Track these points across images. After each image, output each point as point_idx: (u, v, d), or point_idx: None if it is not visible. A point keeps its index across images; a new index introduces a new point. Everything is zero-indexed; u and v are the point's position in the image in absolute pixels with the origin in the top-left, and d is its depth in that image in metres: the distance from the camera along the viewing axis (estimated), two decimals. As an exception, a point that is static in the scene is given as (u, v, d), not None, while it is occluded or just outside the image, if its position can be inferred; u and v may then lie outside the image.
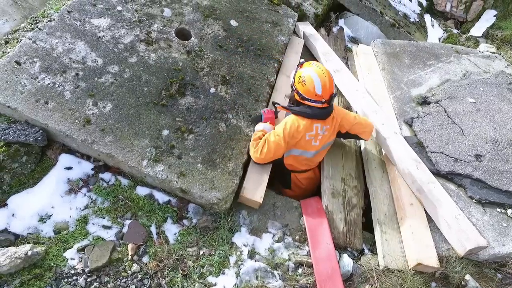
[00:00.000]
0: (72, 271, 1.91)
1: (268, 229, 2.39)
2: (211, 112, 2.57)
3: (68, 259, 1.94)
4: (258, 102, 2.80)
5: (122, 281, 1.94)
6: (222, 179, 2.30)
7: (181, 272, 2.05)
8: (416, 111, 3.03)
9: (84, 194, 2.18)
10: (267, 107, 2.85)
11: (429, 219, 2.41)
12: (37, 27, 2.53)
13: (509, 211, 2.46)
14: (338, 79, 3.27)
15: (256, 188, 2.39)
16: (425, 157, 2.66)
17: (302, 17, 3.98)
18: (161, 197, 2.30)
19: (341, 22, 4.49)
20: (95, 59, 2.48)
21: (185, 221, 2.28)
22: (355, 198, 2.64)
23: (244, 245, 2.26)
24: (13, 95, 2.15)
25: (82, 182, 2.22)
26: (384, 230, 2.42)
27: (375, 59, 3.62)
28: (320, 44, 3.61)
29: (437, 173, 2.58)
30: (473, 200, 2.47)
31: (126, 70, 2.52)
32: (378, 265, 2.30)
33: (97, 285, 1.89)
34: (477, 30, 5.30)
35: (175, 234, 2.21)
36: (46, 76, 2.29)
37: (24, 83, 2.22)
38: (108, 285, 1.91)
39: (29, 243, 1.91)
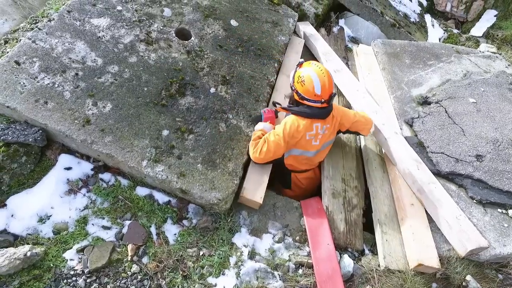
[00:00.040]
0: (72, 272, 1.90)
1: (268, 230, 2.38)
2: (211, 112, 2.56)
3: (67, 260, 1.93)
4: (258, 102, 2.79)
5: (121, 282, 1.94)
6: (222, 179, 2.29)
7: (181, 272, 2.04)
8: (417, 111, 3.02)
9: (84, 195, 2.17)
10: (267, 107, 2.84)
11: (430, 220, 2.41)
12: (36, 27, 2.53)
13: (510, 211, 2.45)
14: (339, 79, 3.26)
15: (256, 188, 2.38)
16: (425, 157, 2.66)
17: (303, 17, 3.98)
18: (161, 198, 2.30)
19: (341, 22, 4.49)
20: (94, 59, 2.48)
21: (185, 222, 2.27)
22: (356, 198, 2.64)
23: (244, 245, 2.25)
24: (12, 95, 2.15)
25: (81, 182, 2.21)
26: (385, 231, 2.42)
27: (375, 59, 3.62)
28: (320, 44, 3.60)
29: (437, 174, 2.57)
30: (474, 201, 2.46)
31: (126, 70, 2.51)
32: (379, 265, 2.29)
33: (97, 286, 1.88)
34: (478, 30, 5.30)
35: (175, 234, 2.20)
36: (46, 76, 2.28)
37: (24, 83, 2.21)
38: (107, 286, 1.90)
39: (28, 243, 1.90)
